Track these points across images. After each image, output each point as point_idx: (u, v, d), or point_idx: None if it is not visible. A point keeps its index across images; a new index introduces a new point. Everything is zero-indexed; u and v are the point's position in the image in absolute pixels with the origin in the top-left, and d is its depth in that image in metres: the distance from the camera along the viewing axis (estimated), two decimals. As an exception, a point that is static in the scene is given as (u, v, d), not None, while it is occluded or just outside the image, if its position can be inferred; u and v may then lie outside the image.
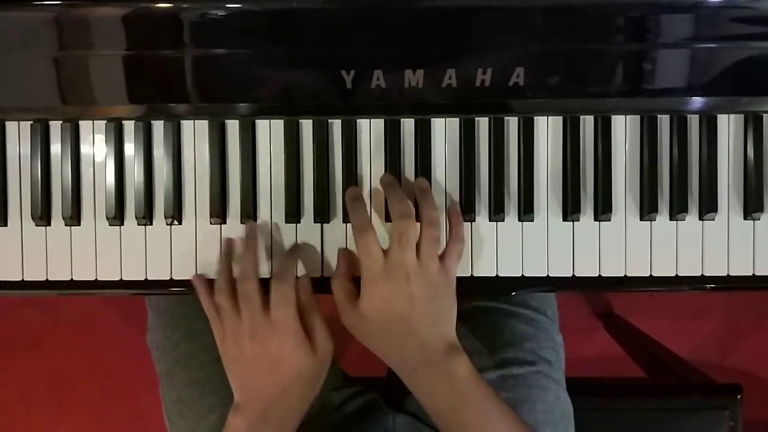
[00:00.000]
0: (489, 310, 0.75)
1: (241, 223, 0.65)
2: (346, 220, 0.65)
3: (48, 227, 0.66)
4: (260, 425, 0.60)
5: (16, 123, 0.65)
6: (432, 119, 0.65)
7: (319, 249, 0.65)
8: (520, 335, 0.74)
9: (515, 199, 0.65)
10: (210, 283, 0.63)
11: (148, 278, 0.65)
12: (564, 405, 0.75)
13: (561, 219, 0.65)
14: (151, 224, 0.65)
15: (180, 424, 0.74)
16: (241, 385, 0.61)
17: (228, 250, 0.64)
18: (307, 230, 0.65)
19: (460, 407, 0.58)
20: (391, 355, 0.61)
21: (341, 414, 0.74)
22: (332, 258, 0.65)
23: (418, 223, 0.61)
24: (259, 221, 0.65)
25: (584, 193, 0.65)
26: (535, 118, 0.65)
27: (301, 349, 0.60)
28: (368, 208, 0.65)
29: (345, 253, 0.64)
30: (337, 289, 0.63)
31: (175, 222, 0.65)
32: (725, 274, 0.65)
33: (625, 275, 0.65)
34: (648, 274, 0.65)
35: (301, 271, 0.65)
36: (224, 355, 0.62)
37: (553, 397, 0.73)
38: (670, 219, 0.65)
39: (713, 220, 0.65)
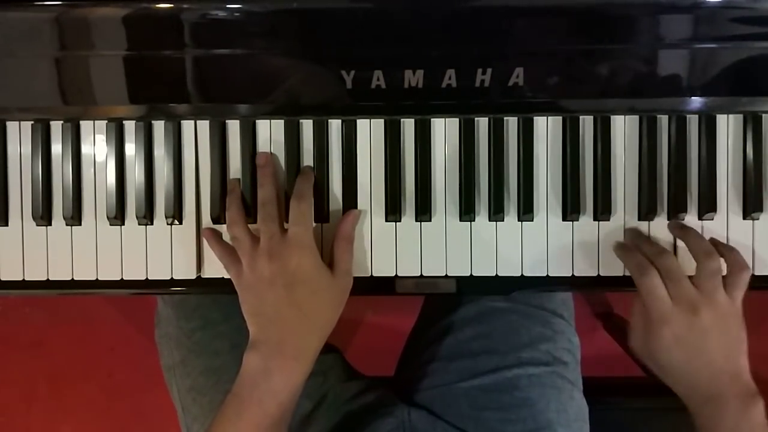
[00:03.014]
0: (506, 311, 0.75)
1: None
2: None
3: (49, 227, 0.66)
4: (276, 356, 0.58)
5: (17, 123, 0.65)
6: (432, 119, 0.65)
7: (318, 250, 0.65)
8: (537, 337, 0.74)
9: (515, 199, 0.65)
10: (218, 234, 0.64)
11: (149, 278, 0.66)
12: (579, 405, 0.75)
13: (560, 219, 0.66)
14: (152, 224, 0.66)
15: (194, 412, 0.74)
16: (255, 315, 0.60)
17: (233, 187, 0.65)
18: (308, 230, 0.65)
19: None
20: (681, 387, 0.60)
21: (354, 406, 0.75)
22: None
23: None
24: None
25: (583, 193, 0.65)
26: (535, 118, 0.65)
27: (319, 267, 0.60)
28: (365, 207, 0.65)
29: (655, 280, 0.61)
30: (638, 319, 0.62)
31: (176, 222, 0.66)
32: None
33: (625, 275, 0.65)
34: (647, 274, 0.66)
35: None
36: (241, 289, 0.61)
37: (568, 398, 0.74)
38: (670, 219, 0.65)
39: (712, 219, 0.65)
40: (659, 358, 0.60)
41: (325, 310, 0.61)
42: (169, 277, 0.66)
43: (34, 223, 0.65)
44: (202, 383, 0.74)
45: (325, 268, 0.61)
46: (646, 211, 0.65)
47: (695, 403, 0.59)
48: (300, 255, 0.59)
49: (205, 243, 0.65)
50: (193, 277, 0.66)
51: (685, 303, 0.59)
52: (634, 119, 0.65)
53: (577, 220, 0.65)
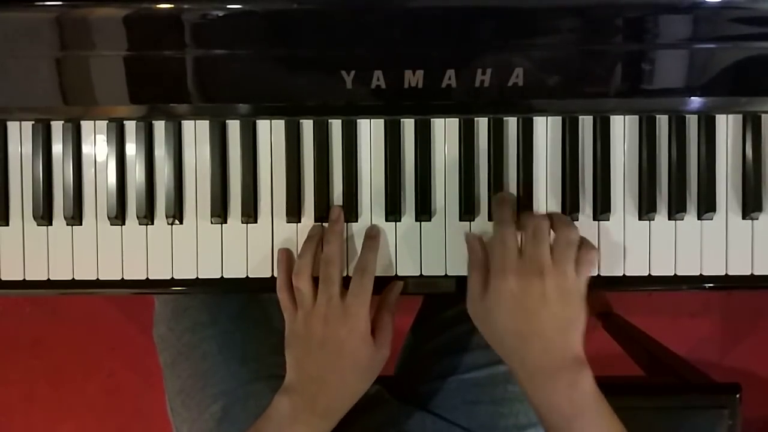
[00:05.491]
0: None
1: (242, 222, 0.65)
2: (349, 220, 0.65)
3: (49, 227, 0.66)
4: (305, 410, 0.60)
5: (18, 123, 0.66)
6: (432, 119, 0.65)
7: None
8: None
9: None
10: (289, 265, 0.64)
11: (150, 277, 0.66)
12: None
13: (560, 219, 0.66)
14: (153, 224, 0.66)
15: (183, 414, 0.75)
16: (298, 366, 0.61)
17: (314, 233, 0.64)
18: (307, 229, 0.65)
19: (576, 421, 0.55)
20: (512, 353, 0.58)
21: None
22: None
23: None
24: (258, 221, 0.66)
25: (583, 193, 0.65)
26: (535, 118, 0.65)
27: (366, 342, 0.61)
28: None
29: (477, 243, 0.61)
30: (475, 276, 0.60)
31: (176, 221, 0.66)
32: (724, 274, 0.66)
33: (624, 274, 0.66)
34: (647, 274, 0.66)
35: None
36: (290, 334, 0.62)
37: None
38: (669, 218, 0.66)
39: (712, 219, 0.66)
40: (492, 318, 0.58)
41: (362, 380, 0.63)
42: (169, 277, 0.66)
43: (35, 223, 0.66)
44: (190, 386, 0.74)
45: (370, 342, 0.61)
46: (646, 211, 0.65)
47: (526, 373, 0.57)
48: (352, 327, 0.60)
49: (204, 243, 0.65)
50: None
51: (533, 263, 0.56)
52: (634, 119, 0.65)
53: (577, 219, 0.66)
